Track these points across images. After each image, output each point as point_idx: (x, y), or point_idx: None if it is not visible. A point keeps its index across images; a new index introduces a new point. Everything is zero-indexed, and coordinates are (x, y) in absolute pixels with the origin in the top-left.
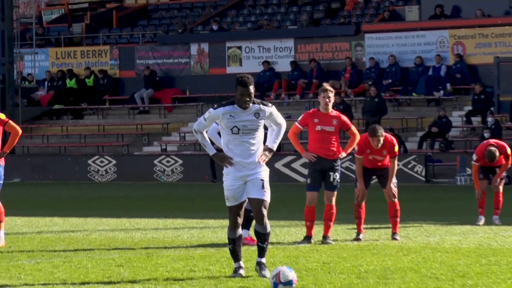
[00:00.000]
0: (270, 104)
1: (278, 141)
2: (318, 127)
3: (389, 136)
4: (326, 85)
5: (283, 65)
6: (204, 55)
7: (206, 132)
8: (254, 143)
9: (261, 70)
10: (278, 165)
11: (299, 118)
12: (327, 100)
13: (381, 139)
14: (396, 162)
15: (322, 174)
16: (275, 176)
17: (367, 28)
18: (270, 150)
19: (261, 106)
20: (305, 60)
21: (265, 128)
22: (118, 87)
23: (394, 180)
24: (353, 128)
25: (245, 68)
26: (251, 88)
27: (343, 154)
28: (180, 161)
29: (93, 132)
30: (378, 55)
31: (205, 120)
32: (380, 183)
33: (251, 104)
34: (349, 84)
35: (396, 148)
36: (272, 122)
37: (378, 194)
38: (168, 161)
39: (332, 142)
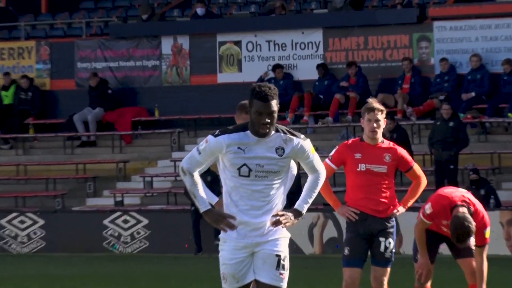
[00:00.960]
0: (302, 136)
1: (311, 200)
2: (362, 166)
3: (481, 210)
4: (373, 102)
5: (305, 70)
6: (183, 55)
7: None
8: (271, 194)
9: (270, 77)
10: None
11: (332, 153)
12: (375, 124)
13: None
14: (485, 254)
15: (367, 241)
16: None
17: (436, 12)
18: (297, 212)
19: (289, 135)
20: (340, 63)
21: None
22: (48, 105)
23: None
24: (417, 167)
25: (246, 74)
26: (274, 105)
27: (401, 209)
28: (145, 221)
29: (8, 176)
30: (454, 54)
31: (199, 153)
32: (454, 253)
33: (272, 131)
34: (409, 100)
35: (488, 233)
36: (305, 165)
37: (450, 271)
38: (125, 221)
39: (383, 189)
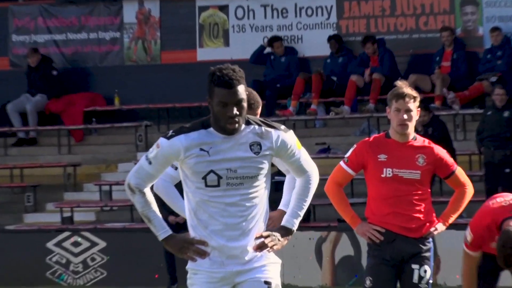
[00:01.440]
0: (282, 127)
1: (303, 211)
2: (388, 172)
3: None
4: (403, 86)
5: (314, 44)
6: (151, 25)
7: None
8: (251, 207)
9: (268, 52)
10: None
11: (348, 153)
12: (405, 116)
13: None
14: None
15: (396, 269)
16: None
17: None
18: (286, 231)
19: (264, 127)
20: (358, 34)
21: (280, 173)
22: None
23: None
24: (460, 172)
25: (234, 49)
26: (242, 91)
27: (440, 227)
28: (102, 244)
29: None
30: (509, 22)
31: (149, 163)
32: None
33: (243, 125)
34: (450, 83)
35: None
36: (290, 165)
37: None
38: (76, 244)
39: (416, 201)
